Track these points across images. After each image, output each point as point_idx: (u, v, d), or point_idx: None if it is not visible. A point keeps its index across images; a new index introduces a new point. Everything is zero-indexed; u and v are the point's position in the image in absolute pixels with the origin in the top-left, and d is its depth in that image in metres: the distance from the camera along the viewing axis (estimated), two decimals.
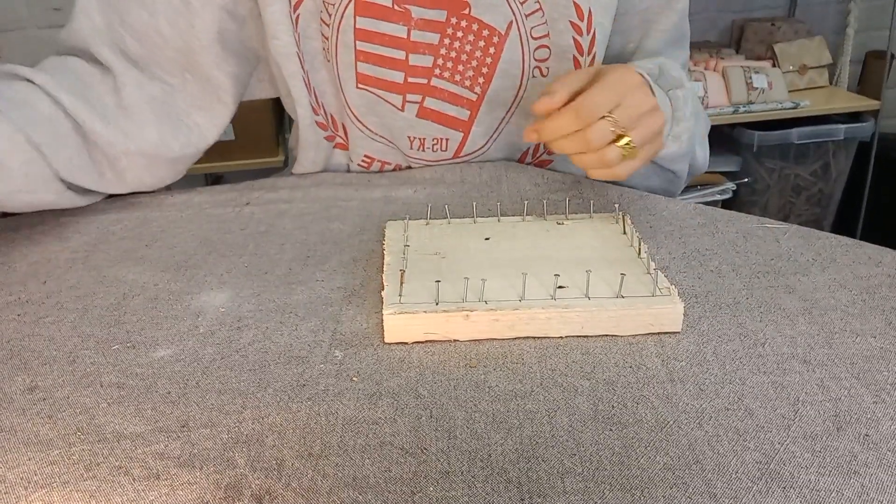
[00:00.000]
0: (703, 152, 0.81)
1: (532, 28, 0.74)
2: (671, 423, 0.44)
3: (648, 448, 0.42)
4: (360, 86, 0.77)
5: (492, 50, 0.74)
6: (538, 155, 0.83)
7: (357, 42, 0.74)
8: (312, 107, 0.81)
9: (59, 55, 0.75)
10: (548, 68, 0.76)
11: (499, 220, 0.65)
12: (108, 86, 0.73)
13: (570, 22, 0.73)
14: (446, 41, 0.74)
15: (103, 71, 0.74)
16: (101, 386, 0.48)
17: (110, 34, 0.74)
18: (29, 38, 1.91)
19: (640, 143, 0.60)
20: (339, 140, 0.84)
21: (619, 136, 0.58)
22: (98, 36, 0.73)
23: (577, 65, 0.75)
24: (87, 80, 0.73)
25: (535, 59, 0.75)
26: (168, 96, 0.76)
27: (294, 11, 0.75)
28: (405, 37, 0.74)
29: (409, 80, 0.76)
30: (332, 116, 0.82)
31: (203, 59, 0.75)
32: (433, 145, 0.80)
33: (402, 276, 0.55)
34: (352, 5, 0.72)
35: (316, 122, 0.83)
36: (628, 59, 0.79)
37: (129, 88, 0.73)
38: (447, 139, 0.79)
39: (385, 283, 0.55)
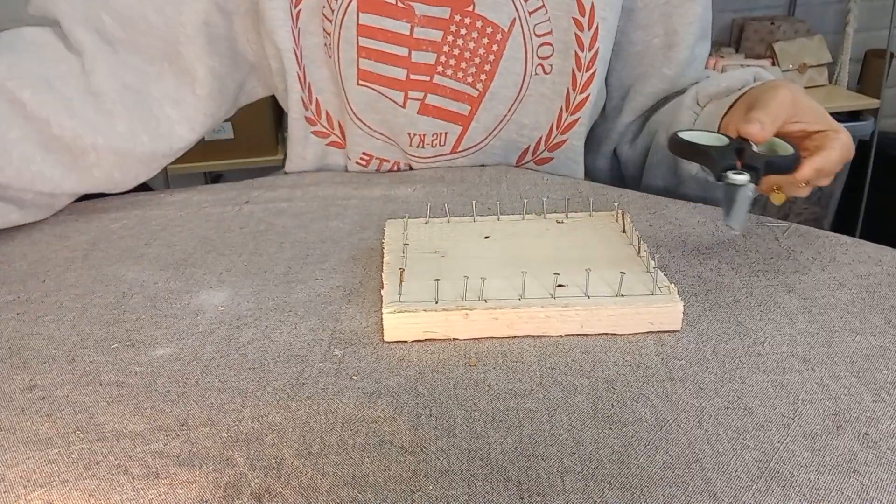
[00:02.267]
0: None
1: (535, 25, 0.74)
2: (671, 421, 0.44)
3: (648, 447, 0.42)
4: (361, 82, 0.77)
5: (495, 47, 0.74)
6: (538, 153, 0.83)
7: (360, 38, 0.74)
8: (303, 101, 0.81)
9: (17, 26, 0.72)
10: (550, 66, 0.76)
11: (498, 219, 0.65)
12: (75, 67, 0.71)
13: (573, 18, 0.73)
14: (449, 38, 0.74)
15: (70, 49, 0.71)
16: (101, 384, 0.48)
17: (86, 12, 0.72)
18: None
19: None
20: (333, 138, 0.84)
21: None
22: (73, 12, 0.71)
23: (577, 61, 0.75)
24: (50, 56, 0.71)
25: (538, 57, 0.75)
26: (143, 84, 0.74)
27: (295, 7, 0.75)
28: (408, 33, 0.74)
29: (412, 76, 0.76)
30: (327, 113, 0.82)
31: (186, 51, 0.74)
32: (432, 140, 0.80)
33: (401, 275, 0.55)
34: (355, 2, 0.72)
35: (305, 117, 0.83)
36: (656, 55, 0.79)
37: (101, 73, 0.71)
38: (446, 133, 0.79)
39: (384, 282, 0.55)
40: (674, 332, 0.52)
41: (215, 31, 0.75)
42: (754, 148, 0.57)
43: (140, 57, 0.74)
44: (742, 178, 0.50)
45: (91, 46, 0.71)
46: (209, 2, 0.73)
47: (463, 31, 0.74)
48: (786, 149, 0.58)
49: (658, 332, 0.52)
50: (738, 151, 0.57)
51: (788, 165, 0.56)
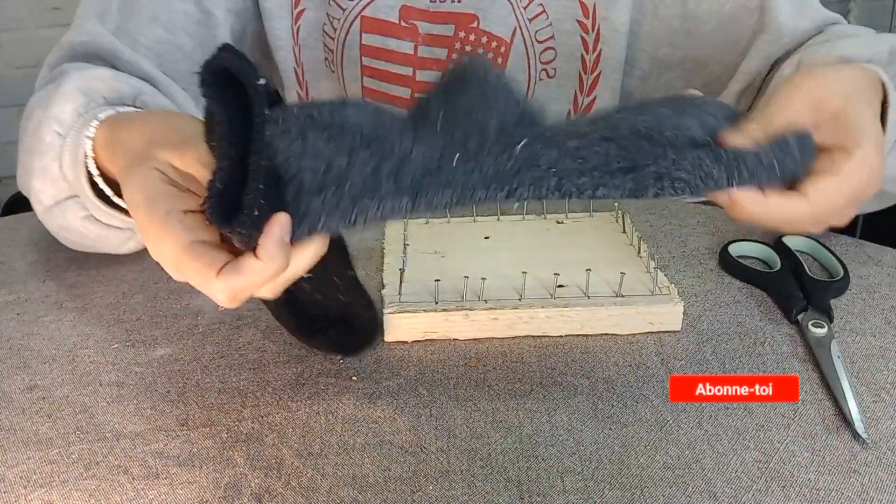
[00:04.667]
0: None
1: (537, 31, 0.73)
2: (670, 421, 0.44)
3: (648, 447, 0.42)
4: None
5: (499, 60, 0.74)
6: None
7: (363, 58, 0.73)
8: None
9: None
10: (554, 69, 0.76)
11: (498, 219, 0.65)
12: (154, 90, 0.64)
13: (577, 21, 0.73)
14: (454, 55, 0.73)
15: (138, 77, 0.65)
16: (101, 385, 0.48)
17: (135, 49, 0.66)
18: (29, 38, 1.91)
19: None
20: None
21: None
22: (128, 47, 0.65)
23: (584, 64, 0.75)
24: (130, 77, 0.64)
25: (541, 62, 0.75)
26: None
27: (294, 23, 0.75)
28: (412, 53, 0.73)
29: (417, 95, 0.75)
30: None
31: None
32: None
33: (401, 275, 0.55)
34: (358, 21, 0.72)
35: None
36: (740, 20, 0.68)
37: (181, 99, 0.66)
38: None
39: (384, 282, 0.55)
40: (674, 332, 0.52)
41: (240, 46, 0.75)
42: (807, 269, 0.56)
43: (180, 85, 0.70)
44: (822, 331, 0.50)
45: (161, 76, 0.66)
46: (234, 16, 0.72)
47: (468, 48, 0.73)
48: (833, 265, 0.58)
49: (658, 332, 0.52)
50: (796, 274, 0.56)
51: (842, 288, 0.55)
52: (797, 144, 0.42)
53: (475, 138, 0.39)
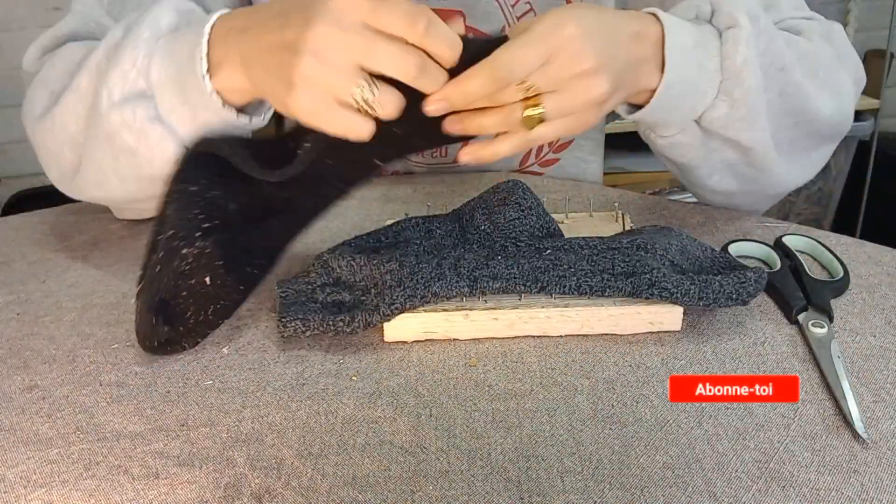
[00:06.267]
0: (828, 107, 0.61)
1: None
2: (671, 421, 0.44)
3: (648, 447, 0.42)
4: None
5: None
6: (541, 155, 0.82)
7: None
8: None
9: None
10: None
11: None
12: None
13: None
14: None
15: None
16: (101, 385, 0.48)
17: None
18: (29, 38, 1.90)
19: (559, 115, 0.49)
20: None
21: (530, 100, 0.48)
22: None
23: None
24: None
25: None
26: None
27: None
28: None
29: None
30: None
31: None
32: (431, 152, 0.79)
33: None
34: None
35: None
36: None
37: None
38: (446, 147, 0.79)
39: None
40: (674, 332, 0.52)
41: None
42: (807, 268, 0.56)
43: None
44: (822, 331, 0.50)
45: None
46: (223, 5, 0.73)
47: None
48: (833, 265, 0.58)
49: (658, 332, 0.52)
50: (796, 274, 0.56)
51: (842, 288, 0.56)
52: (753, 278, 0.51)
53: (512, 246, 0.54)
